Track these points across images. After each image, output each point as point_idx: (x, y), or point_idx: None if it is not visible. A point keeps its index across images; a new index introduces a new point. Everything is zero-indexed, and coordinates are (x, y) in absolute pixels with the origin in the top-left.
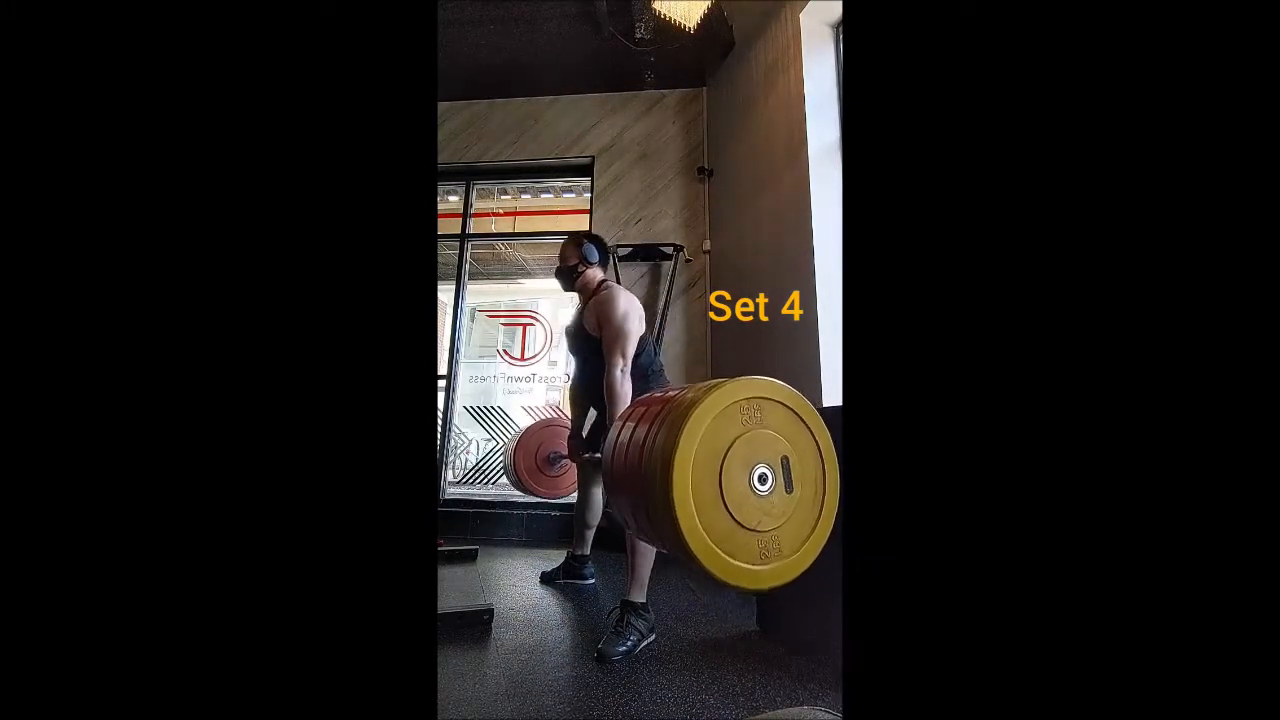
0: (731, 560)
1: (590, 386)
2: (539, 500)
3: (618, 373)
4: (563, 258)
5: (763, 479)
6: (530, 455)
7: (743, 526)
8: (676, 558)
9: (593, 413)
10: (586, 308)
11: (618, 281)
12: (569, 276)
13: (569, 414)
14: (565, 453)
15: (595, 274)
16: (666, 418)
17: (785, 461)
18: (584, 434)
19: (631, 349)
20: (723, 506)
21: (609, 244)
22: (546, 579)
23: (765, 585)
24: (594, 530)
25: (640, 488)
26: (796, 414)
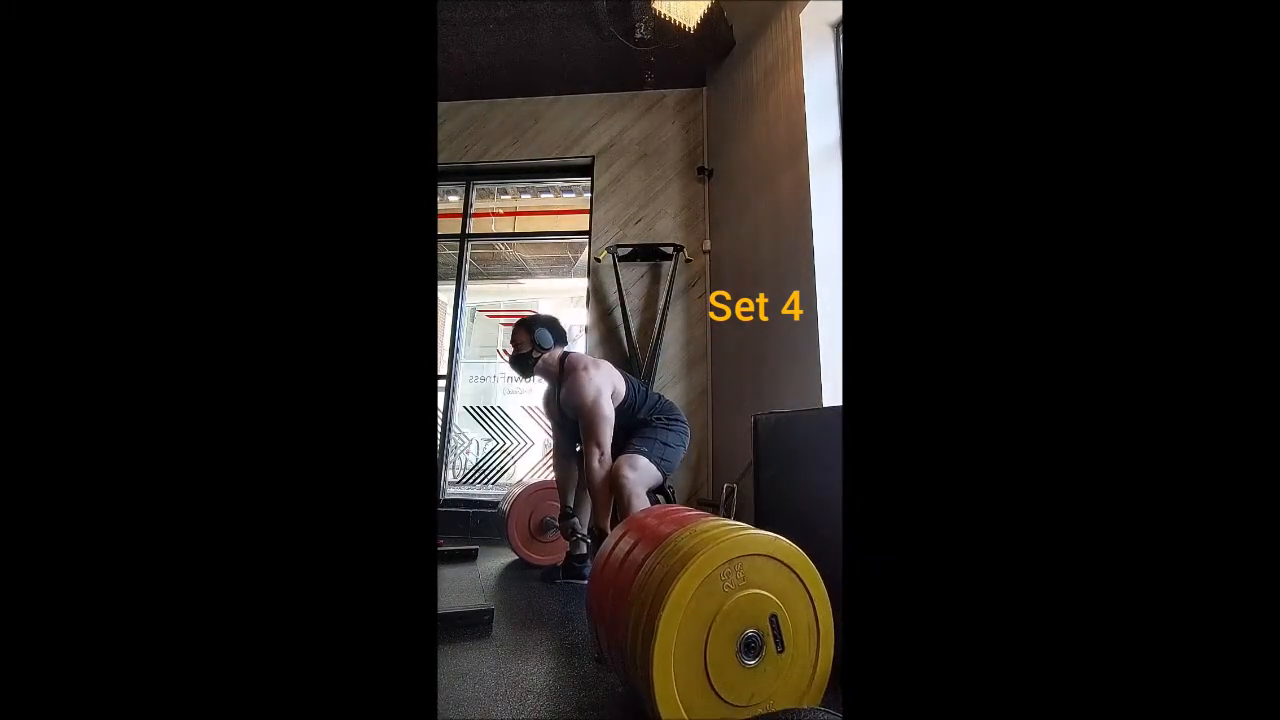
0: None
1: (574, 455)
2: None
3: (595, 464)
4: (515, 344)
5: (750, 645)
6: (523, 526)
7: (735, 706)
8: None
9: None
10: (561, 391)
11: (622, 304)
12: (526, 364)
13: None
14: (556, 521)
15: (554, 354)
16: (645, 585)
17: (774, 620)
18: (570, 505)
19: (607, 435)
20: (710, 690)
21: (611, 246)
22: (546, 579)
23: None
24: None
25: (621, 661)
26: (776, 559)
